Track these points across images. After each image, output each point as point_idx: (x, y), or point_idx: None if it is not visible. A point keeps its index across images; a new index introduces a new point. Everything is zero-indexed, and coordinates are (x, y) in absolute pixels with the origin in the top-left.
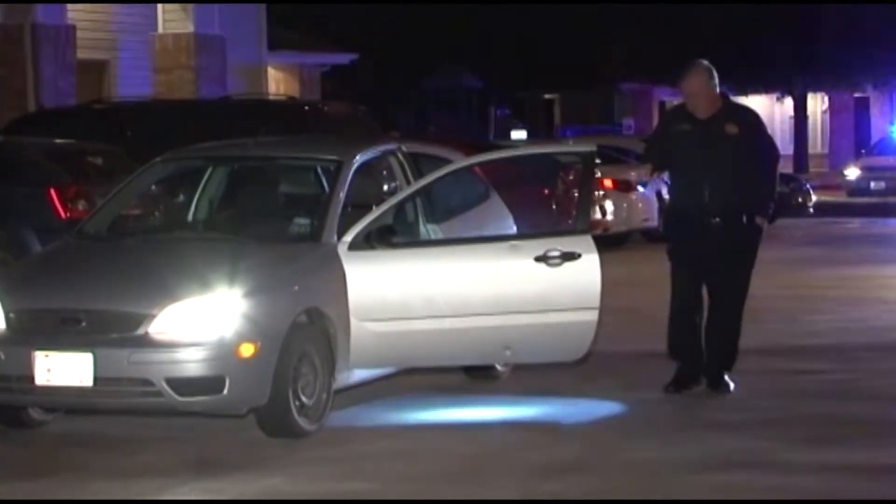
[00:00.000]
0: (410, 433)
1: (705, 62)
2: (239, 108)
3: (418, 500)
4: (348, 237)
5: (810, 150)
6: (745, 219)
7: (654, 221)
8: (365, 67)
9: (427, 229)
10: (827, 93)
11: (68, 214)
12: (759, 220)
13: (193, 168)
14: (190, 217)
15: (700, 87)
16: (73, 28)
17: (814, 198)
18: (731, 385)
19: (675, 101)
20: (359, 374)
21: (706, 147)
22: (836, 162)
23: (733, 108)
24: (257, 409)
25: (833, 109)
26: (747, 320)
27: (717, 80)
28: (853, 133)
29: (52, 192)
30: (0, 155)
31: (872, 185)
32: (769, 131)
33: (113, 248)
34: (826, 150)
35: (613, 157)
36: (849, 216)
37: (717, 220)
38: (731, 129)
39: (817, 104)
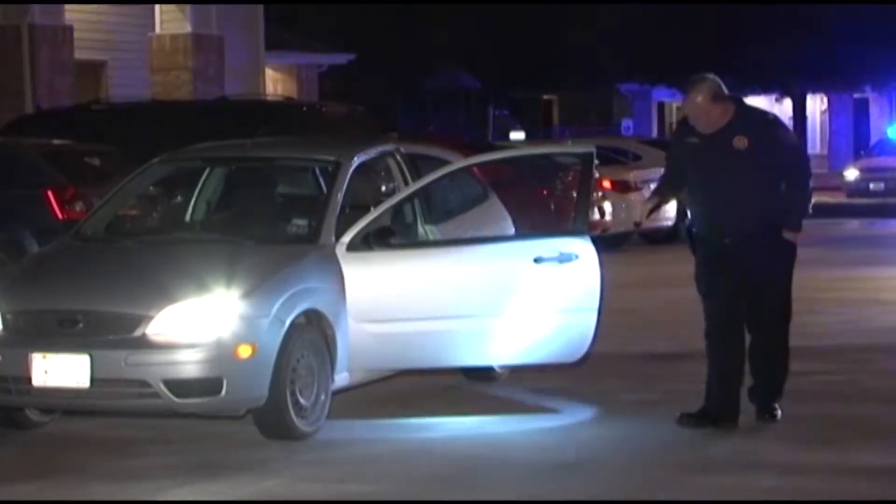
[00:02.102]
0: (409, 434)
1: (710, 77)
2: (236, 108)
3: (416, 501)
4: (346, 238)
5: (809, 151)
6: (765, 236)
7: (652, 222)
8: (363, 68)
9: (425, 230)
10: (826, 94)
11: (65, 215)
12: (786, 234)
13: (191, 169)
14: (187, 218)
15: (698, 106)
16: (71, 29)
17: (813, 199)
18: (779, 413)
19: (675, 103)
20: (357, 376)
21: (713, 164)
22: (835, 163)
23: (747, 116)
24: (255, 410)
25: (832, 110)
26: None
27: (724, 94)
28: (852, 134)
29: (50, 193)
30: None
31: (871, 185)
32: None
33: (110, 249)
34: (825, 151)
35: (612, 158)
36: (848, 217)
37: (729, 240)
38: (740, 142)
39: (816, 105)
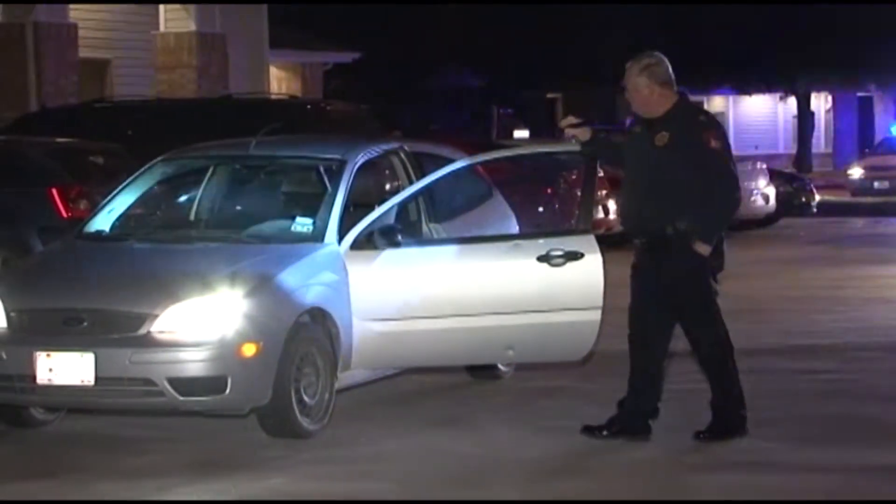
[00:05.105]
0: (413, 433)
1: (651, 56)
2: (241, 107)
3: (420, 500)
4: (351, 237)
5: (814, 150)
6: (674, 244)
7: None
8: (367, 66)
9: (429, 229)
10: (830, 92)
11: (70, 214)
12: (696, 245)
13: (195, 167)
14: (192, 217)
15: (631, 84)
16: (75, 27)
17: (817, 197)
18: (703, 438)
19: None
20: (361, 374)
21: (637, 157)
22: (839, 161)
23: (680, 112)
24: (259, 409)
25: (837, 109)
26: (749, 321)
27: (661, 80)
28: (857, 132)
29: (54, 191)
30: (2, 154)
31: (876, 184)
32: (774, 131)
33: (115, 247)
34: (830, 150)
35: None
36: (852, 216)
37: (640, 241)
38: (661, 139)
39: (821, 103)
